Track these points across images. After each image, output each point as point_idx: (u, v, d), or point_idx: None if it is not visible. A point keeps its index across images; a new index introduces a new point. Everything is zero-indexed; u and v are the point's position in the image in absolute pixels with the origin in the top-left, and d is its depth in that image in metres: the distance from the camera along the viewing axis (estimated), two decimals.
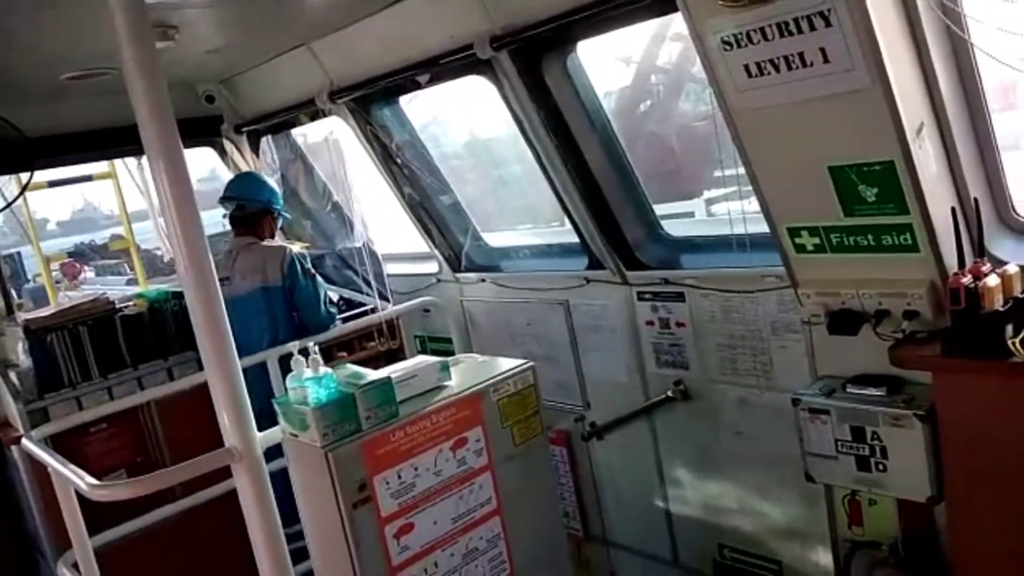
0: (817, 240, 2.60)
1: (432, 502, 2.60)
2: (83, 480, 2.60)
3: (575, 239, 3.89)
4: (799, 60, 2.22)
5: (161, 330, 4.38)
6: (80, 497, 2.88)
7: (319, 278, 4.36)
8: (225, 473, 3.32)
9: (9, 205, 4.16)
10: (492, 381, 2.76)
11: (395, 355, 5.01)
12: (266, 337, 4.15)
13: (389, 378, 2.57)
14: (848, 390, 2.69)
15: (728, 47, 2.32)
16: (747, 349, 3.33)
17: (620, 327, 3.81)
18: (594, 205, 3.56)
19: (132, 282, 12.35)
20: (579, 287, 3.94)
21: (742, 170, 2.66)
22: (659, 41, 4.29)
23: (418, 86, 3.89)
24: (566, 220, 3.86)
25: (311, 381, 2.46)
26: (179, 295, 4.49)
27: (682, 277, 3.48)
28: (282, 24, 3.54)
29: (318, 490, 2.45)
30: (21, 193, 4.15)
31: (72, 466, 2.73)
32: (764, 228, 2.85)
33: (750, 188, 2.67)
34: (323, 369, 2.50)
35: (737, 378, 3.39)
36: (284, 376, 3.82)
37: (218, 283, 2.47)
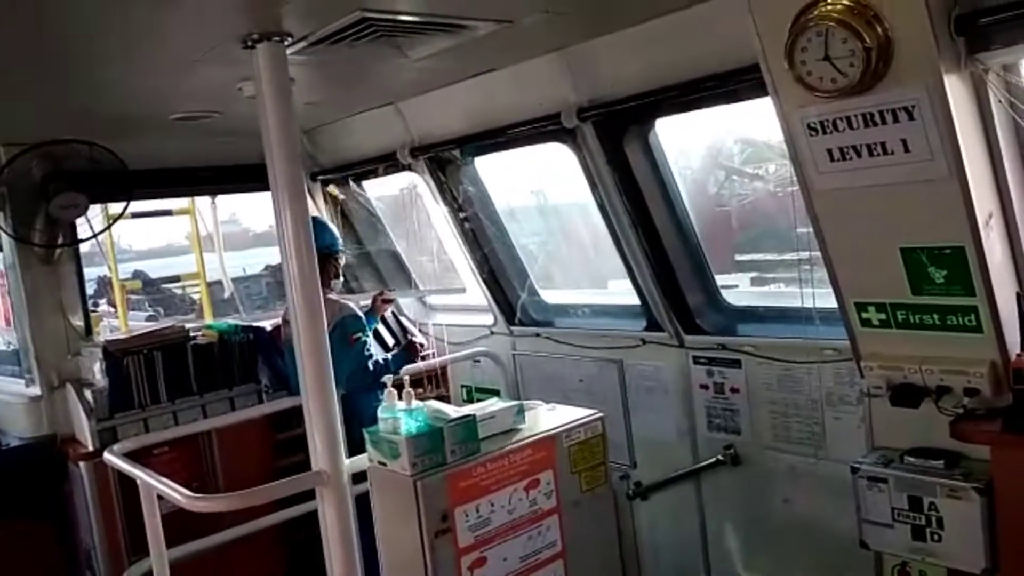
0: (883, 316, 2.75)
1: (505, 539, 2.72)
2: (178, 492, 2.74)
3: (633, 300, 4.06)
4: (881, 148, 2.42)
5: (228, 361, 4.54)
6: (137, 516, 3.04)
7: (362, 343, 4.27)
8: (275, 504, 3.48)
9: (99, 233, 4.40)
10: (565, 427, 2.91)
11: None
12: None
13: (474, 416, 2.73)
14: (906, 461, 2.81)
15: (814, 132, 2.53)
16: (801, 418, 3.46)
17: (673, 389, 3.95)
18: (659, 269, 3.75)
19: (151, 319, 12.51)
20: (635, 347, 4.10)
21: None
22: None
23: (496, 148, 4.14)
24: (626, 283, 4.05)
25: (404, 413, 2.62)
26: (247, 328, 4.69)
27: (739, 344, 3.64)
28: (381, 84, 3.82)
29: (402, 517, 2.59)
30: (114, 221, 4.40)
31: (166, 480, 2.88)
32: (823, 303, 3.04)
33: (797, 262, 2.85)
34: (415, 403, 2.67)
35: (789, 446, 3.51)
36: (344, 413, 4.04)
37: (324, 320, 2.67)
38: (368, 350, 4.28)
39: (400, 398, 2.68)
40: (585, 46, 3.29)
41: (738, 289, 5.01)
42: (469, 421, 2.70)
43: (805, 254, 3.00)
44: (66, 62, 2.88)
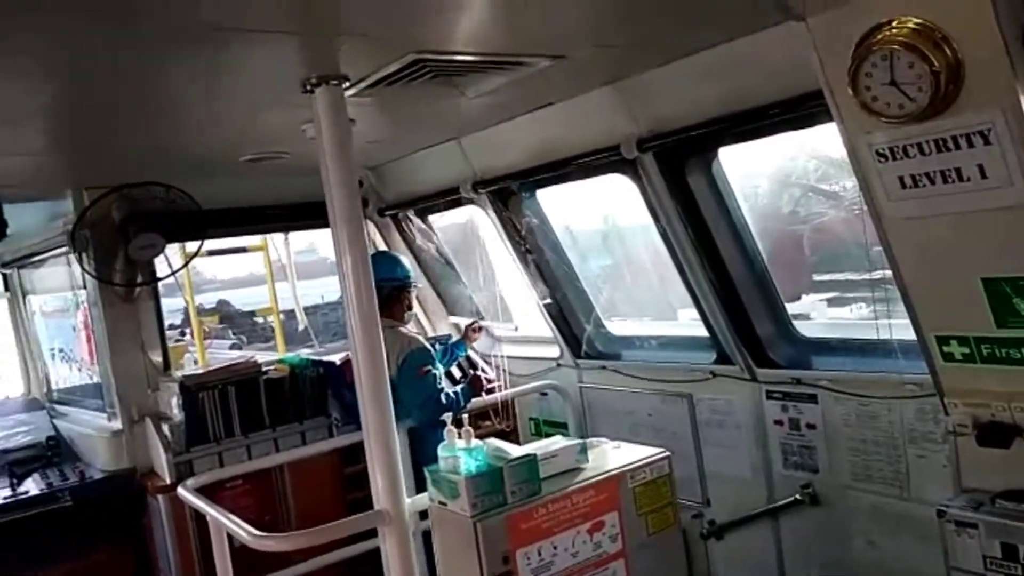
0: (967, 350, 2.59)
1: None
2: (245, 530, 2.78)
3: (701, 332, 3.96)
4: (955, 175, 2.29)
5: (298, 394, 4.61)
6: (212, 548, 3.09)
7: (432, 376, 4.22)
8: (346, 539, 3.49)
9: (176, 272, 4.56)
10: (630, 467, 2.83)
11: (508, 436, 5.12)
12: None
13: (535, 455, 2.68)
14: (998, 504, 2.62)
15: (883, 159, 2.41)
16: (882, 456, 3.29)
17: (746, 424, 3.82)
18: (726, 300, 3.65)
19: (235, 347, 12.88)
20: (705, 380, 3.99)
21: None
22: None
23: (558, 181, 4.12)
24: (695, 312, 3.95)
25: (463, 451, 2.60)
26: (317, 363, 4.77)
27: (815, 378, 3.49)
28: (441, 122, 3.86)
29: (463, 558, 2.56)
30: (189, 260, 4.55)
31: (233, 517, 2.92)
32: (903, 334, 2.89)
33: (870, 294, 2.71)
34: (474, 442, 2.64)
35: (871, 485, 3.34)
36: (412, 449, 4.04)
37: (384, 357, 2.68)
38: (439, 383, 4.27)
39: (460, 436, 2.66)
40: (641, 78, 3.24)
41: (813, 316, 4.86)
42: (530, 461, 2.66)
43: (879, 274, 2.84)
44: (142, 109, 3.00)
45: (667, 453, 2.94)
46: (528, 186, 4.31)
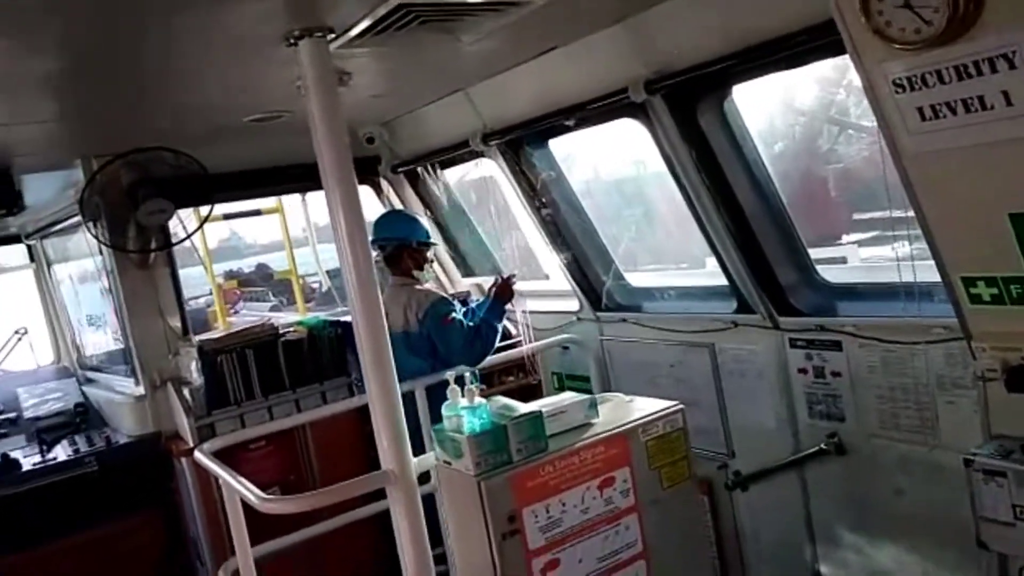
0: (995, 291, 2.44)
1: (578, 539, 2.61)
2: (252, 493, 2.77)
3: (722, 281, 3.83)
4: (978, 103, 2.12)
5: (318, 356, 4.61)
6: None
7: (458, 320, 4.19)
8: (366, 498, 3.49)
9: (190, 235, 4.55)
10: (640, 421, 2.75)
11: (533, 391, 5.08)
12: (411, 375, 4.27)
13: (540, 412, 2.61)
14: None
15: (900, 90, 2.25)
16: (910, 403, 3.16)
17: (770, 374, 3.70)
18: (746, 247, 3.51)
19: (274, 308, 13.09)
20: (726, 330, 3.87)
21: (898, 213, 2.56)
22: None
23: (568, 129, 3.98)
24: (714, 261, 3.82)
25: (466, 410, 2.54)
26: (335, 323, 4.74)
27: (839, 325, 3.36)
28: (443, 71, 3.73)
29: (469, 518, 2.52)
30: (201, 225, 4.52)
31: (242, 479, 2.92)
32: (929, 276, 2.73)
33: (906, 232, 2.57)
34: (478, 399, 2.58)
35: (899, 433, 3.22)
36: (431, 407, 4.01)
37: (384, 319, 2.61)
38: (467, 323, 4.20)
39: (463, 395, 2.61)
40: (647, 15, 3.07)
41: (850, 258, 4.69)
42: (535, 418, 2.59)
43: (899, 212, 2.68)
44: (143, 73, 2.96)
45: (681, 406, 2.85)
46: (538, 136, 4.18)
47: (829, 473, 3.54)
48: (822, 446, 3.50)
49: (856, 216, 4.45)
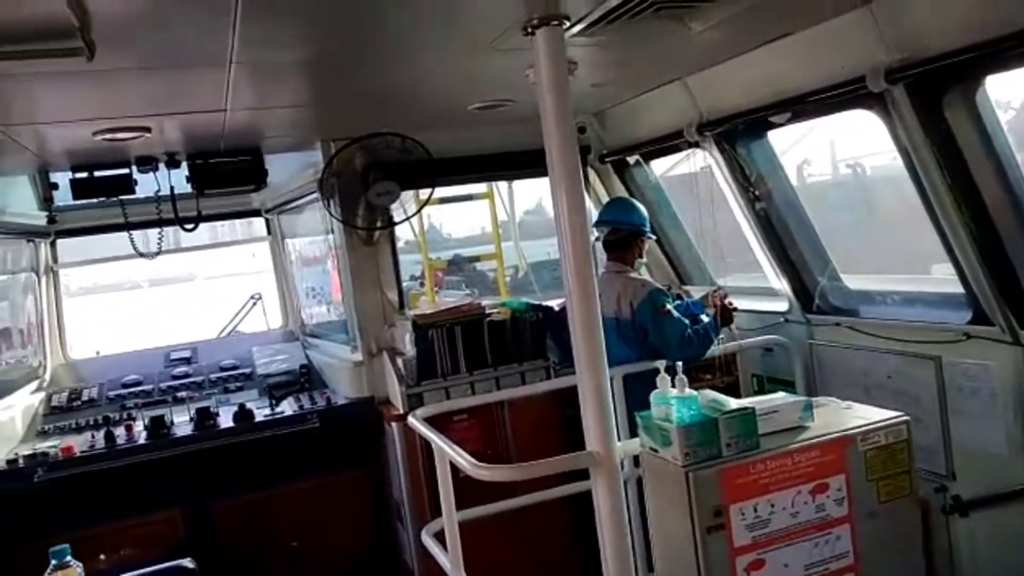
0: None
1: (786, 543, 2.51)
2: (465, 459, 2.92)
3: (954, 288, 3.54)
4: None
5: (519, 337, 4.75)
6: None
7: (674, 314, 4.19)
8: (559, 479, 3.56)
9: (413, 215, 4.86)
10: (861, 429, 2.61)
11: (730, 391, 4.92)
12: (615, 362, 4.28)
13: (753, 409, 2.55)
14: None
15: None
16: None
17: (1006, 393, 3.38)
18: (988, 252, 3.21)
19: (467, 296, 13.61)
20: (957, 342, 3.57)
21: None
22: None
23: (792, 120, 3.82)
24: (941, 268, 3.54)
25: (677, 400, 2.53)
26: (537, 307, 4.88)
27: None
28: (667, 60, 3.71)
29: (673, 508, 2.50)
30: (423, 206, 4.82)
31: (455, 446, 3.08)
32: None
33: None
34: (688, 390, 2.56)
35: None
36: (626, 395, 4.02)
37: (598, 302, 2.65)
38: (683, 319, 4.21)
39: (673, 384, 2.60)
40: None
41: None
42: (748, 414, 2.53)
43: None
44: (379, 60, 3.17)
45: (906, 417, 2.66)
46: (758, 127, 4.05)
47: None
48: None
49: None
